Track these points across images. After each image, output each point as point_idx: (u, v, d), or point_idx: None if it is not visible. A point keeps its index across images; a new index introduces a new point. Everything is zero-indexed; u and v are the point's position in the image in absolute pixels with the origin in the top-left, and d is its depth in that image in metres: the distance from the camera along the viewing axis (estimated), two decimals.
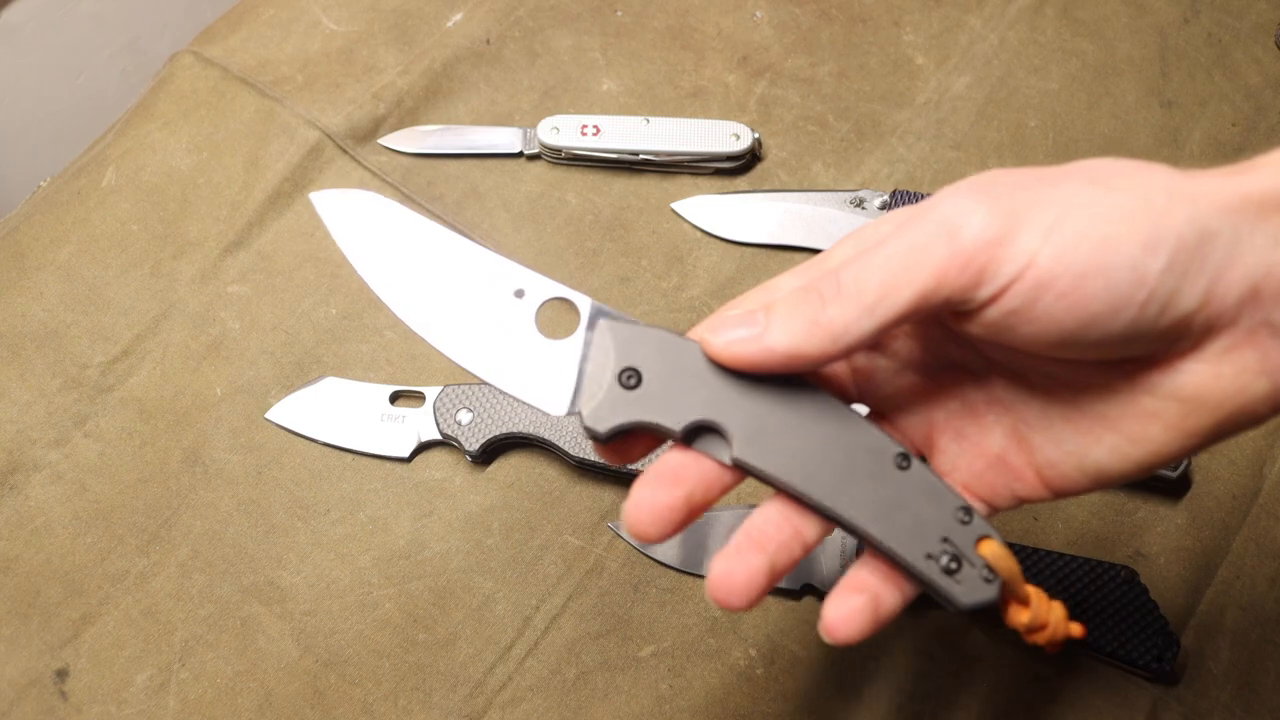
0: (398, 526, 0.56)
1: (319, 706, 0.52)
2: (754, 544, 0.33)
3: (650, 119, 0.65)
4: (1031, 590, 0.34)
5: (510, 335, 0.34)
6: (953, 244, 0.29)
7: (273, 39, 0.70)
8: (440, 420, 0.56)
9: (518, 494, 0.56)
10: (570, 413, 0.33)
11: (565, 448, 0.55)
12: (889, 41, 0.70)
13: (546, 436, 0.55)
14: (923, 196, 0.61)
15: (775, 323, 0.31)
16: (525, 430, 0.56)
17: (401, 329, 0.61)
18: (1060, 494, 0.34)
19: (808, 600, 0.53)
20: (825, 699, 0.51)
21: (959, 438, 0.35)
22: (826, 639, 0.33)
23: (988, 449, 0.34)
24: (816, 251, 0.62)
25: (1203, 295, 0.29)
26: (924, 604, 0.53)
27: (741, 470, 0.33)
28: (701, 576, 0.54)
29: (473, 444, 0.56)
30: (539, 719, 0.51)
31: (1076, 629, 0.35)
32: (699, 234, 0.63)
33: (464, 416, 0.56)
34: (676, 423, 0.32)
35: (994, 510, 0.35)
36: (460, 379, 0.59)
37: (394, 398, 0.58)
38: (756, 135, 0.64)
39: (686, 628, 0.53)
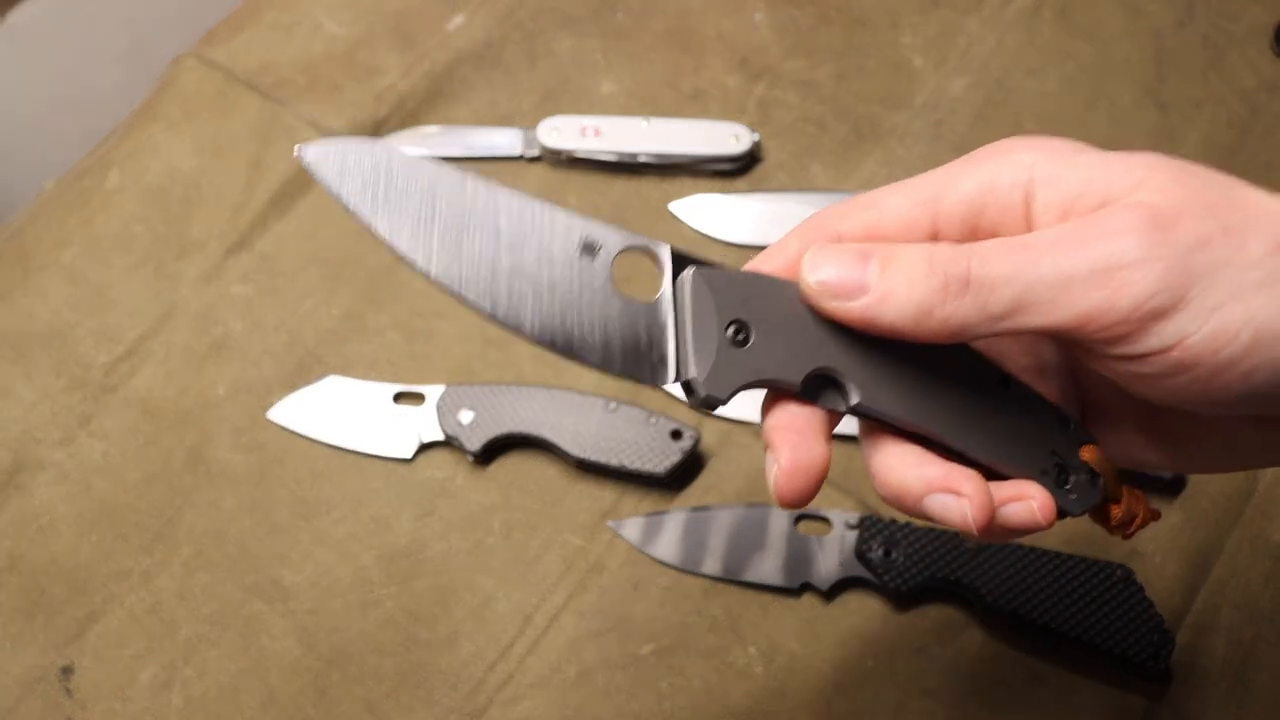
0: (399, 525, 0.56)
1: (321, 704, 0.52)
2: (810, 430, 0.30)
3: (650, 120, 0.65)
4: (1125, 490, 0.34)
5: (588, 299, 0.29)
6: (1110, 299, 0.26)
7: (275, 42, 0.70)
8: (442, 420, 0.57)
9: (518, 494, 0.57)
10: (679, 380, 0.29)
11: (565, 448, 0.56)
12: (887, 44, 0.70)
13: (547, 436, 0.56)
14: None
15: (889, 294, 0.28)
16: (526, 430, 0.56)
17: (404, 329, 0.61)
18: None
19: (808, 599, 0.54)
20: (825, 698, 0.52)
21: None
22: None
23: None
24: None
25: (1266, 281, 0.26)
26: (924, 603, 0.53)
27: (861, 416, 0.31)
28: (701, 575, 0.54)
29: (474, 444, 0.56)
30: (539, 717, 0.52)
31: (1157, 514, 0.35)
32: (698, 235, 0.63)
33: (465, 416, 0.57)
34: (796, 375, 0.30)
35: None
36: (461, 379, 0.59)
37: (396, 397, 0.58)
38: (756, 137, 0.65)
39: (686, 626, 0.53)
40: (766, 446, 0.30)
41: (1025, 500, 0.30)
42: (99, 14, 0.87)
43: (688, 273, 0.29)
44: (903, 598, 0.52)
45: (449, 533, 0.56)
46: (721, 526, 0.54)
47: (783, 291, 0.30)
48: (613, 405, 0.56)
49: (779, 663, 0.52)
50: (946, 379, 0.31)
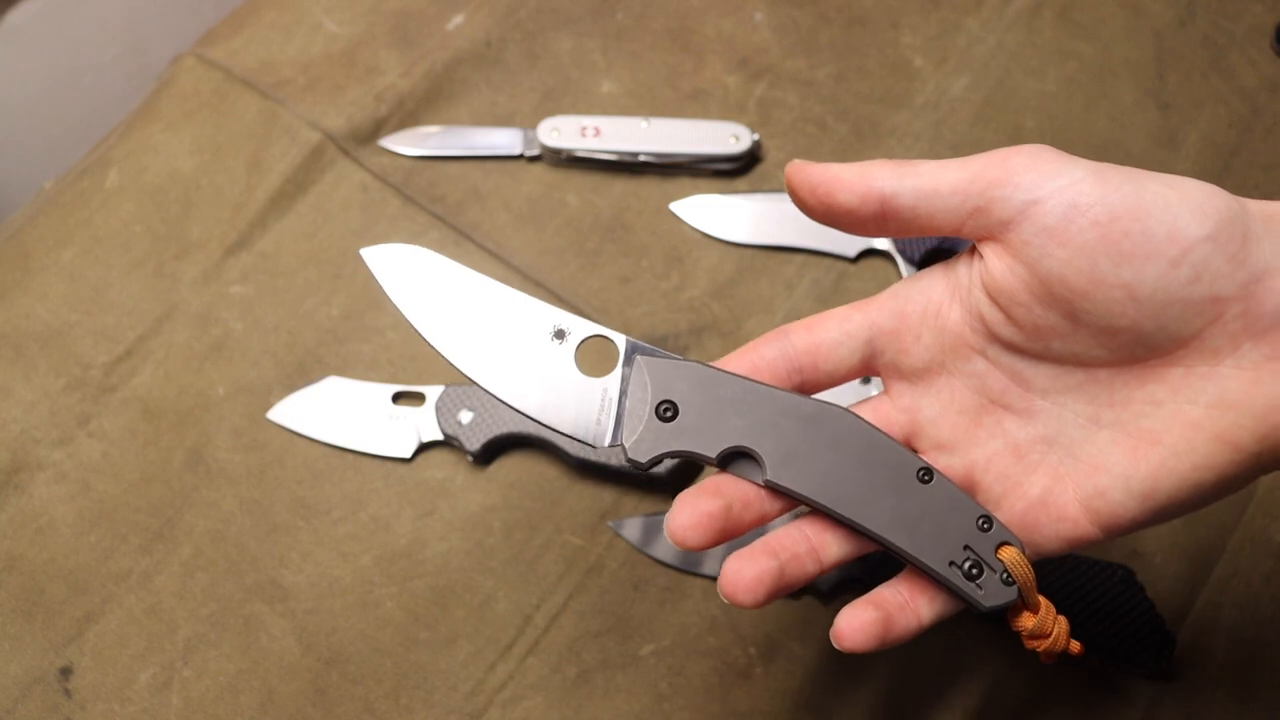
0: (399, 526, 0.56)
1: (321, 705, 0.52)
2: (768, 549, 0.35)
3: (650, 120, 0.65)
4: (1041, 600, 0.35)
5: (553, 374, 0.36)
6: (1004, 152, 0.32)
7: (275, 41, 0.70)
8: (442, 420, 0.57)
9: (518, 494, 0.57)
10: (613, 445, 0.35)
11: (565, 448, 0.56)
12: (887, 43, 0.70)
13: (547, 436, 0.56)
14: None
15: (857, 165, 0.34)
16: (526, 430, 0.56)
17: (403, 329, 0.61)
18: (1111, 528, 0.34)
19: (807, 600, 0.54)
20: (824, 698, 0.52)
21: (1001, 479, 0.35)
22: (836, 644, 0.34)
23: (1029, 491, 0.35)
24: (816, 253, 0.63)
25: (1240, 287, 0.30)
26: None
27: (775, 491, 0.35)
28: (701, 576, 0.54)
29: (474, 444, 0.56)
30: (539, 717, 0.52)
31: (1075, 646, 0.36)
32: (698, 235, 0.64)
33: (465, 416, 0.57)
34: (712, 450, 0.35)
35: (1039, 556, 0.35)
36: (461, 379, 0.59)
37: (396, 398, 0.58)
38: (756, 136, 0.65)
39: (686, 627, 0.53)
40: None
41: (836, 622, 0.35)
42: (99, 14, 0.87)
43: (636, 358, 0.36)
44: None
45: (449, 533, 0.56)
46: None
47: (716, 381, 0.35)
48: None
49: (779, 663, 0.52)
50: (863, 466, 0.35)
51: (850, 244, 0.62)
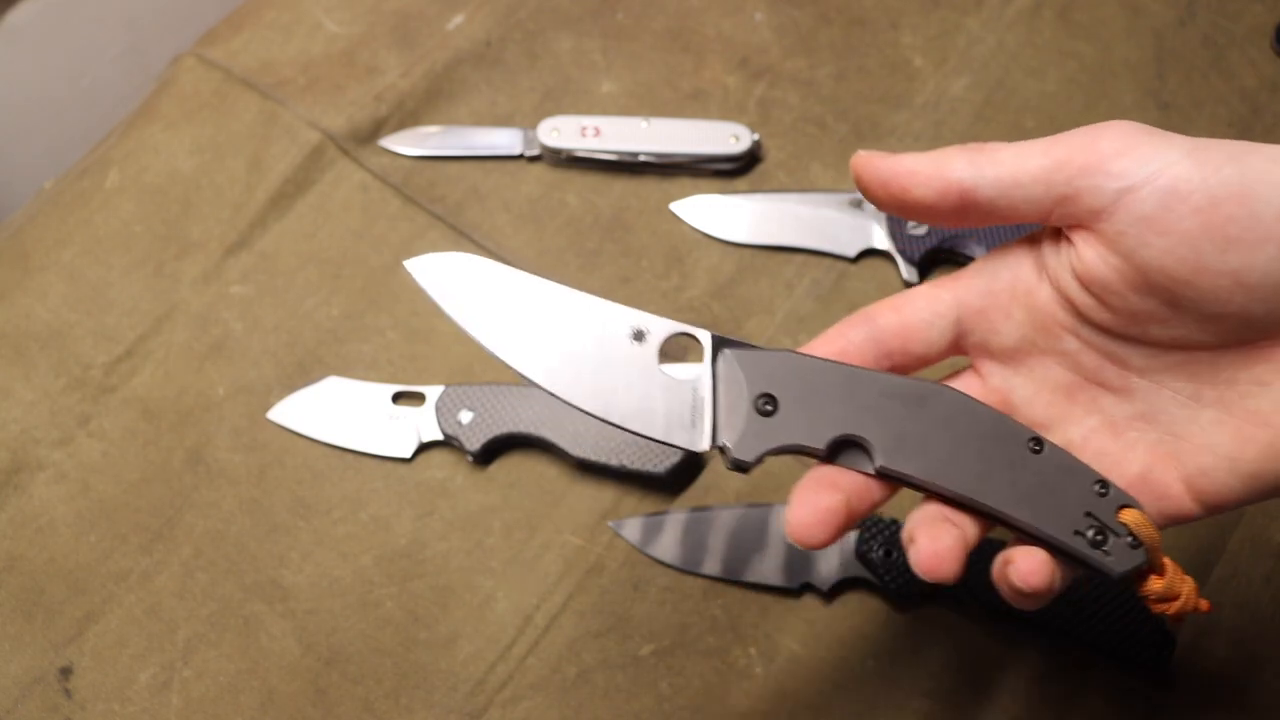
0: (399, 526, 0.56)
1: (321, 705, 0.52)
2: (827, 483, 0.33)
3: (650, 120, 0.65)
4: (1168, 562, 0.34)
5: (638, 379, 0.34)
6: (1092, 132, 0.31)
7: (275, 41, 0.70)
8: (441, 420, 0.57)
9: (518, 494, 0.57)
10: (714, 447, 0.33)
11: (565, 447, 0.55)
12: (887, 44, 0.70)
13: (547, 436, 0.56)
14: None
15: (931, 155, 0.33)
16: (526, 430, 0.56)
17: (403, 329, 0.61)
18: (1213, 506, 0.33)
19: (808, 599, 0.54)
20: (825, 698, 0.52)
21: (1099, 456, 0.34)
22: (1020, 584, 0.32)
23: (1128, 468, 0.34)
24: (816, 252, 0.63)
25: None
26: (924, 603, 0.53)
27: (886, 478, 0.33)
28: (701, 576, 0.54)
29: (474, 444, 0.56)
30: (539, 717, 0.52)
31: (1205, 604, 0.35)
32: (698, 235, 0.64)
33: (465, 416, 0.57)
34: (820, 441, 0.33)
35: None
36: (461, 379, 0.59)
37: (396, 398, 0.58)
38: (756, 136, 0.65)
39: (686, 626, 0.53)
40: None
41: (1010, 563, 0.32)
42: (98, 14, 0.87)
43: (722, 353, 0.34)
44: (903, 598, 0.52)
45: (449, 533, 0.56)
46: (721, 526, 0.54)
47: (813, 368, 0.33)
48: None
49: (779, 663, 0.52)
50: (973, 442, 0.33)
51: (850, 244, 0.62)
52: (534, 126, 0.66)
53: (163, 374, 0.60)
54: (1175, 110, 0.67)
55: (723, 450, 0.33)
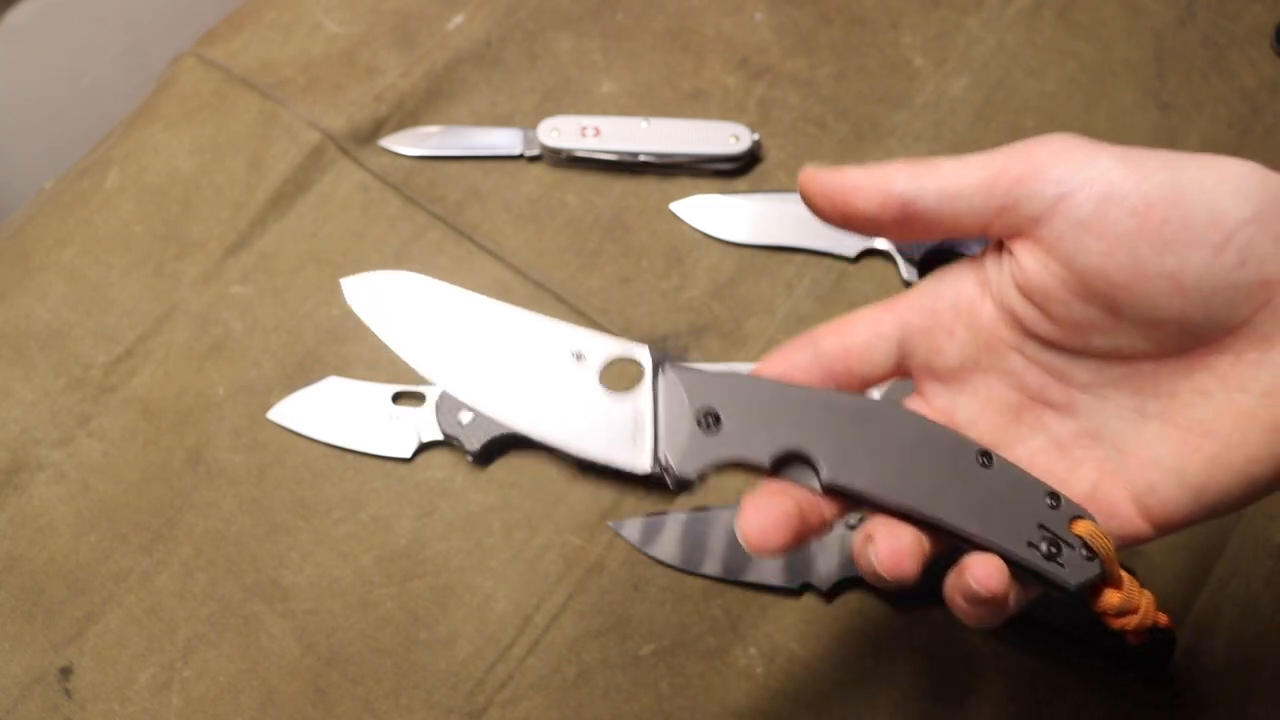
0: (399, 526, 0.56)
1: (321, 705, 0.52)
2: (778, 491, 0.33)
3: (650, 120, 0.65)
4: (1124, 575, 0.33)
5: (577, 399, 0.33)
6: (1029, 145, 0.31)
7: (275, 41, 0.70)
8: (441, 420, 0.57)
9: (518, 494, 0.57)
10: (655, 465, 0.33)
11: None
12: (887, 44, 0.70)
13: None
14: None
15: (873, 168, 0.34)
16: None
17: None
18: (1163, 524, 0.32)
19: (808, 599, 0.54)
20: (825, 698, 0.52)
21: (1046, 476, 0.34)
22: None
23: (1076, 487, 0.33)
24: (816, 252, 0.63)
25: None
26: (922, 603, 0.53)
27: (834, 493, 0.33)
28: (701, 576, 0.54)
29: (473, 444, 0.56)
30: (539, 717, 0.52)
31: (1163, 618, 0.34)
32: (698, 235, 0.64)
33: (465, 416, 0.57)
34: (764, 455, 0.33)
35: None
36: None
37: (396, 398, 0.58)
38: (756, 136, 0.65)
39: (686, 626, 0.53)
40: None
41: (966, 569, 0.32)
42: (98, 14, 0.87)
43: (663, 371, 0.33)
44: (903, 598, 0.52)
45: (449, 533, 0.56)
46: (721, 526, 0.54)
47: (757, 386, 0.33)
48: None
49: (779, 663, 0.52)
50: (921, 456, 0.33)
51: (850, 244, 0.62)
52: (534, 126, 0.66)
53: (163, 374, 0.60)
54: (1175, 110, 0.67)
55: (665, 469, 0.32)
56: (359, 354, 0.60)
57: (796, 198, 0.63)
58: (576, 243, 0.64)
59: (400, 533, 0.56)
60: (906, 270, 0.61)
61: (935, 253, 0.61)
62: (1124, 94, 0.68)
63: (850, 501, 0.33)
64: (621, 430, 0.33)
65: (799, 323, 0.61)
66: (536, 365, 0.33)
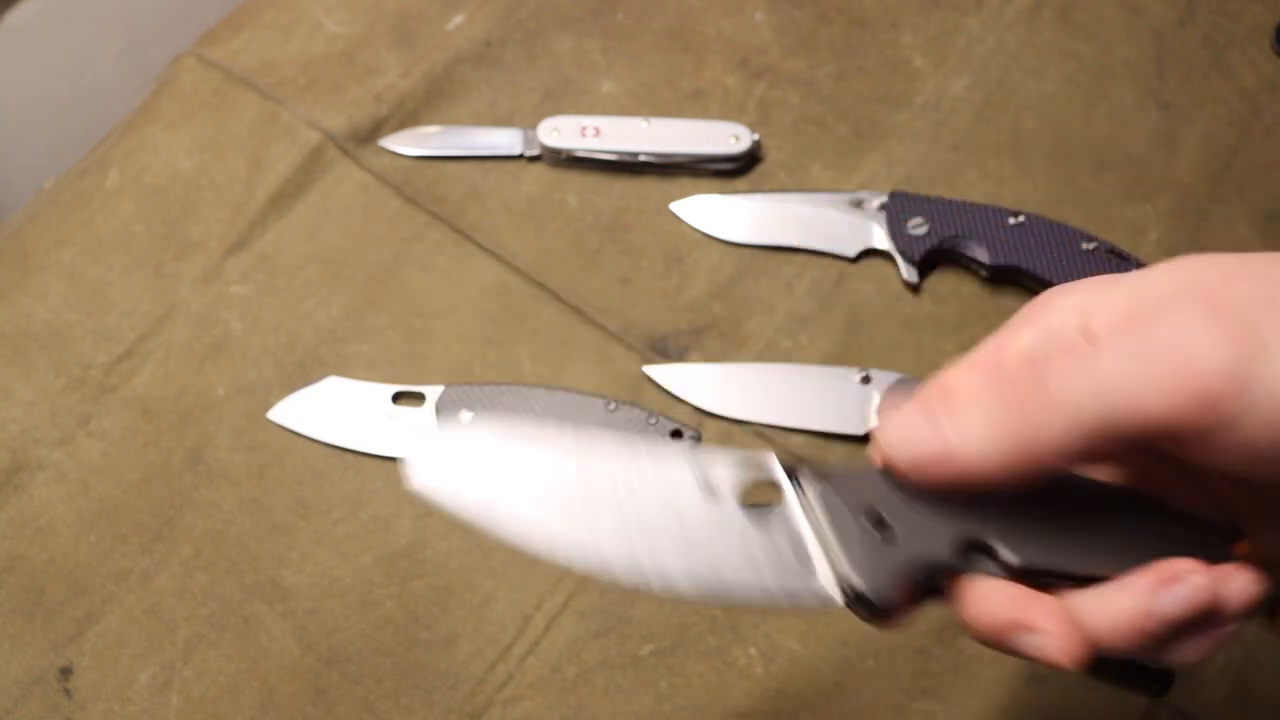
0: (399, 525, 0.56)
1: (321, 704, 0.52)
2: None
3: (650, 120, 0.65)
4: None
5: (726, 540, 0.27)
6: (1184, 376, 0.25)
7: (275, 41, 0.70)
8: (442, 420, 0.57)
9: None
10: (847, 597, 0.28)
11: None
12: (887, 44, 0.70)
13: None
14: (922, 198, 0.62)
15: (962, 423, 0.26)
16: None
17: (403, 329, 0.61)
18: None
19: None
20: (825, 698, 0.52)
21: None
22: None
23: None
24: (816, 253, 0.63)
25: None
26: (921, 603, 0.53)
27: (1024, 576, 0.28)
28: None
29: None
30: (539, 717, 0.52)
31: None
32: (698, 235, 0.64)
33: (465, 416, 0.57)
34: (947, 549, 0.28)
35: None
36: (461, 379, 0.59)
37: (396, 398, 0.58)
38: (756, 136, 0.65)
39: (686, 626, 0.53)
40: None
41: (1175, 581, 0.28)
42: (98, 14, 0.87)
43: (814, 488, 0.29)
44: None
45: (449, 533, 0.56)
46: None
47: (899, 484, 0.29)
48: (612, 406, 0.56)
49: (779, 663, 0.52)
50: (1084, 514, 0.29)
51: (850, 244, 0.62)
52: (534, 126, 0.66)
53: (163, 374, 0.60)
54: (1175, 110, 0.67)
55: (859, 599, 0.28)
56: (359, 354, 0.60)
57: (797, 198, 0.64)
58: (576, 243, 0.64)
59: (400, 533, 0.56)
60: (906, 270, 0.61)
61: (936, 253, 0.61)
62: (1124, 94, 0.68)
63: (1042, 579, 0.29)
64: (785, 560, 0.28)
65: (799, 323, 0.61)
66: (668, 511, 0.27)
